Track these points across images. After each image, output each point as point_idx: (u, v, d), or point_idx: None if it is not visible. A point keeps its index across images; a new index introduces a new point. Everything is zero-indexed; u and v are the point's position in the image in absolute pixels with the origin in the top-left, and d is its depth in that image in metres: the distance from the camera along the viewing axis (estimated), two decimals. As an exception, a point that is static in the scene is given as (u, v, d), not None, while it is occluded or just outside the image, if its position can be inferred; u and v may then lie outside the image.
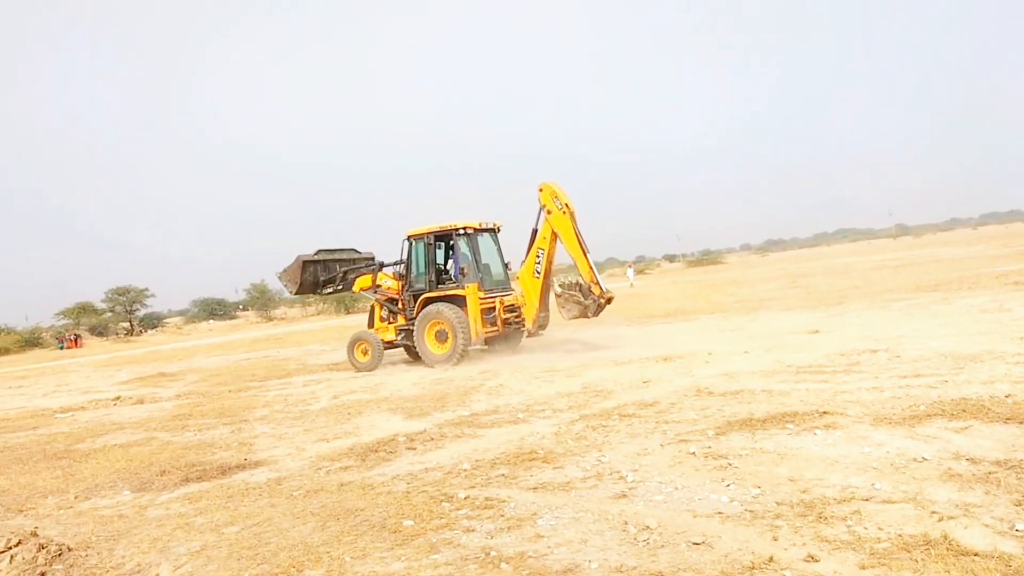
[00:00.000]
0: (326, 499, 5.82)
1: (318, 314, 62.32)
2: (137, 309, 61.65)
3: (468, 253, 14.48)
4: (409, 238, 14.82)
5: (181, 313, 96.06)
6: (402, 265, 15.04)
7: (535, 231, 13.97)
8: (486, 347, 14.91)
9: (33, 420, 12.92)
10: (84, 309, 59.02)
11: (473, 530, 4.72)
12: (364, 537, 4.82)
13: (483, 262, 14.59)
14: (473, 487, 5.70)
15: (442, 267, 14.94)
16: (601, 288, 13.58)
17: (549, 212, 13.58)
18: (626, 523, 4.54)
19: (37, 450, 9.51)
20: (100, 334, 57.49)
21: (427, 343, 14.19)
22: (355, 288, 16.25)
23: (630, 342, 14.66)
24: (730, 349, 11.90)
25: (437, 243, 14.74)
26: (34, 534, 5.33)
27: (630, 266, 51.84)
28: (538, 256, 13.84)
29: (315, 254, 16.57)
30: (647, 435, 6.68)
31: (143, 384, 17.96)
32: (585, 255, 13.50)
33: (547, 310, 14.51)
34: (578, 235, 13.40)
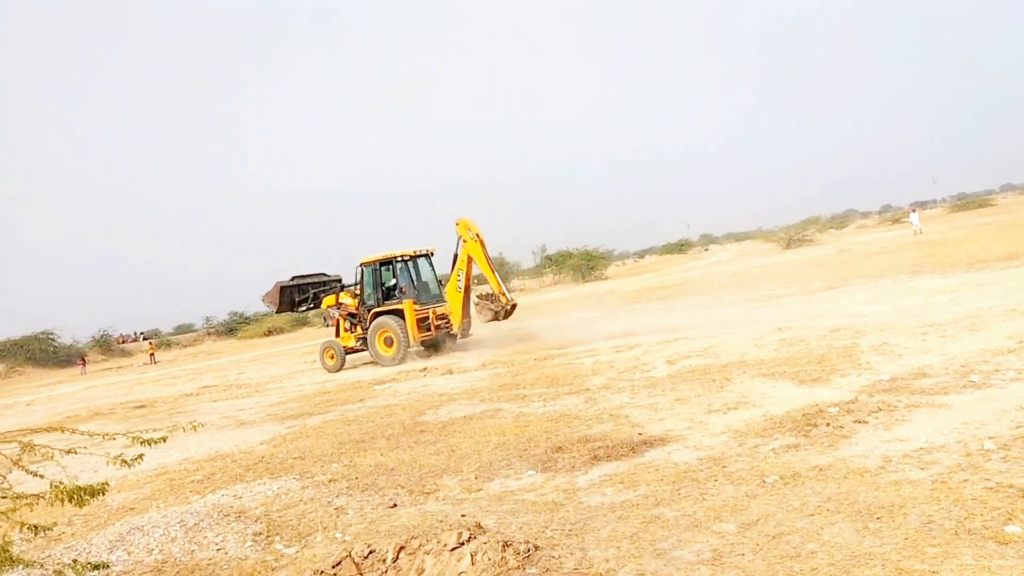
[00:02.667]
0: (819, 488, 4.45)
1: (555, 284, 62.50)
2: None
3: (406, 275, 17.70)
4: (361, 265, 18.08)
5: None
6: (357, 286, 18.32)
7: (455, 255, 17.14)
8: (422, 348, 17.67)
9: (355, 392, 12.98)
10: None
11: None
12: (956, 546, 3.37)
13: (422, 280, 17.98)
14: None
15: (387, 287, 17.85)
16: (507, 297, 17.33)
17: (464, 241, 16.87)
18: None
19: (386, 423, 9.13)
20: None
21: (378, 347, 17.25)
22: (323, 305, 19.45)
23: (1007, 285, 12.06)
24: None
25: (383, 267, 17.88)
26: (479, 526, 4.47)
27: (914, 210, 46.16)
28: (459, 275, 17.05)
29: (290, 280, 19.92)
30: None
31: (435, 355, 17.97)
32: (493, 272, 17.18)
33: (469, 316, 17.81)
34: (487, 257, 16.93)
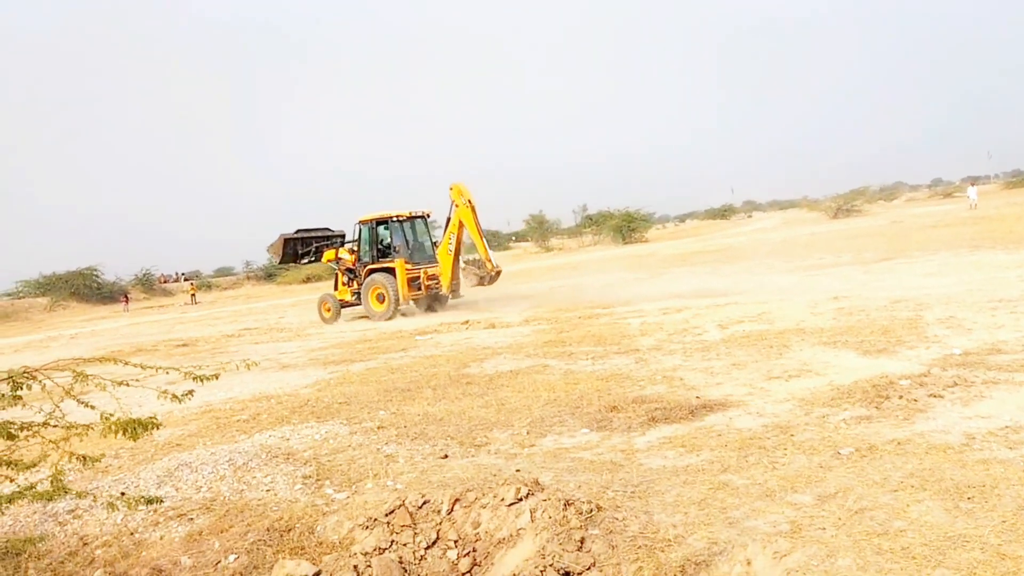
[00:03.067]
0: (900, 463, 4.19)
1: (595, 244, 61.96)
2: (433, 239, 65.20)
3: (400, 235, 18.21)
4: (359, 223, 18.66)
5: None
6: (355, 243, 18.93)
7: (448, 219, 17.58)
8: (413, 305, 18.36)
9: (396, 341, 12.90)
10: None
11: None
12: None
13: (418, 241, 18.56)
14: None
15: (383, 245, 18.44)
16: (492, 264, 17.87)
17: (457, 206, 17.22)
18: None
19: (430, 373, 9.01)
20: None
21: (370, 302, 17.85)
22: (324, 259, 20.18)
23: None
24: None
25: (379, 226, 18.46)
26: (536, 482, 4.29)
27: (972, 184, 44.68)
28: (450, 238, 17.47)
29: (295, 233, 20.32)
30: None
31: (475, 309, 17.84)
32: (482, 238, 17.43)
33: (459, 278, 18.16)
34: (477, 223, 17.22)
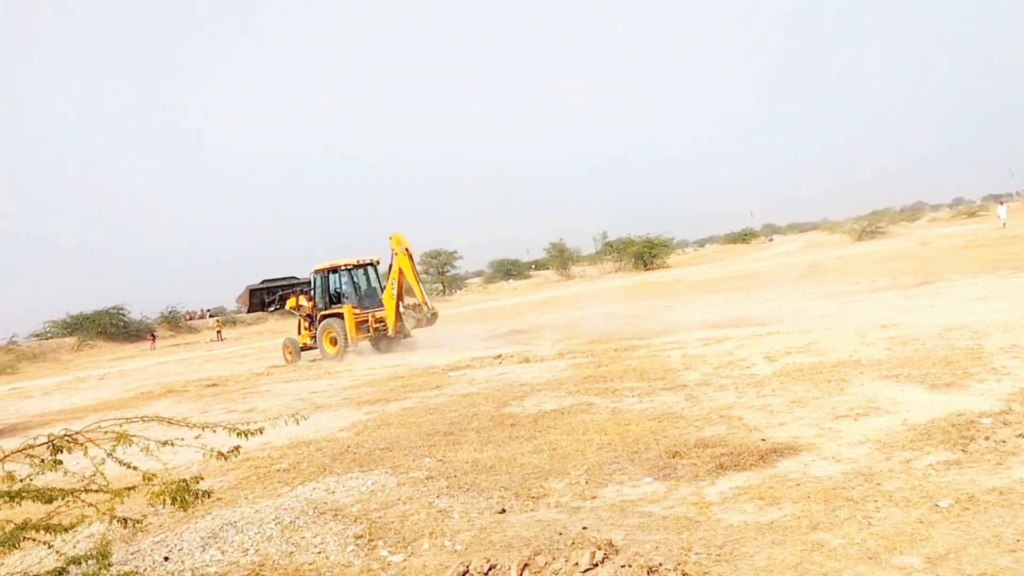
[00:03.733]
0: (1008, 517, 3.84)
1: (616, 271, 61.63)
2: (448, 270, 65.26)
3: (349, 282, 19.78)
4: (314, 271, 20.22)
5: (478, 274, 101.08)
6: (312, 291, 20.46)
7: (390, 266, 18.98)
8: (365, 345, 19.54)
9: (430, 378, 12.64)
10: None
11: None
12: None
13: (369, 286, 20.01)
14: None
15: (333, 292, 19.86)
16: (428, 306, 19.12)
17: (396, 254, 18.55)
18: None
19: (471, 414, 8.72)
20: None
21: (324, 345, 19.27)
22: (287, 306, 21.61)
23: None
24: None
25: (331, 274, 19.90)
26: (611, 544, 3.98)
27: (1001, 203, 44.02)
28: (392, 284, 18.74)
29: (260, 283, 22.11)
30: None
31: (506, 340, 17.58)
32: (418, 283, 18.96)
33: (402, 320, 19.15)
34: (413, 269, 18.73)
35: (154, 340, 44.63)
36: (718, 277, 32.72)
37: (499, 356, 14.10)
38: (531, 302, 35.61)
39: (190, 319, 58.69)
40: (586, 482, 5.43)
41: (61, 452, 3.98)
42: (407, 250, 18.57)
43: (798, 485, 4.77)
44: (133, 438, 4.09)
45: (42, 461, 3.84)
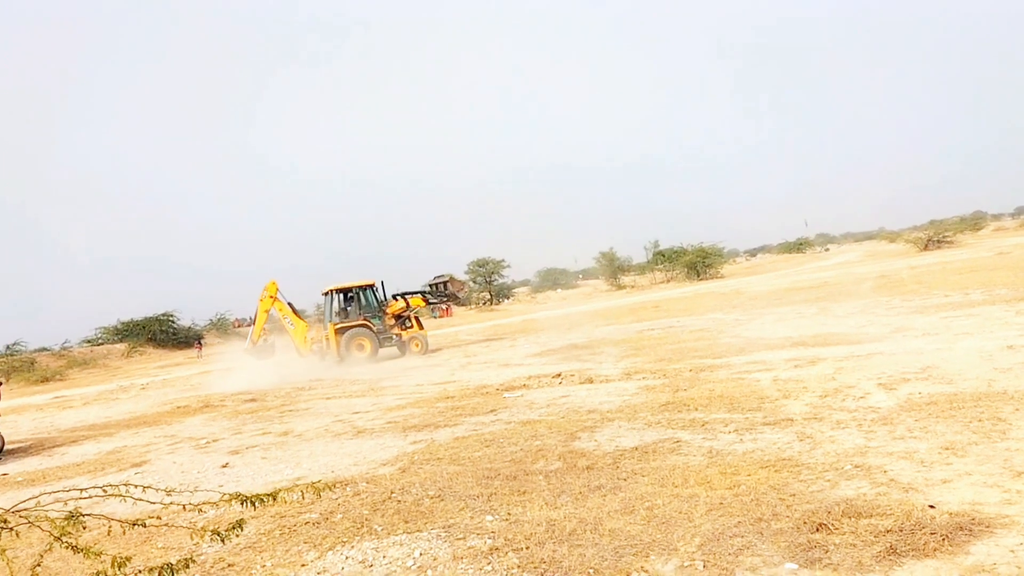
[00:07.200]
0: None
1: (667, 281, 59.84)
2: (495, 279, 64.15)
3: (357, 300, 23.17)
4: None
5: (524, 283, 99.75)
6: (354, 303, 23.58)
7: (289, 304, 22.97)
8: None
9: (483, 399, 11.39)
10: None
11: None
12: None
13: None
14: None
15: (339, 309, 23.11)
16: (256, 343, 22.59)
17: (260, 300, 22.44)
18: None
19: (534, 448, 7.42)
20: (462, 304, 60.70)
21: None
22: (412, 304, 24.52)
23: None
24: None
25: (336, 296, 23.25)
26: None
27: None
28: (286, 318, 22.79)
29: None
30: None
31: (562, 357, 16.24)
32: (262, 322, 22.70)
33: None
34: (266, 311, 22.57)
35: (200, 348, 44.34)
36: (783, 288, 30.90)
37: (559, 375, 12.80)
38: (584, 312, 34.18)
39: (239, 326, 58.58)
40: (704, 565, 4.08)
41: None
42: (271, 296, 22.51)
43: (1023, 590, 3.37)
44: (86, 518, 2.94)
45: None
